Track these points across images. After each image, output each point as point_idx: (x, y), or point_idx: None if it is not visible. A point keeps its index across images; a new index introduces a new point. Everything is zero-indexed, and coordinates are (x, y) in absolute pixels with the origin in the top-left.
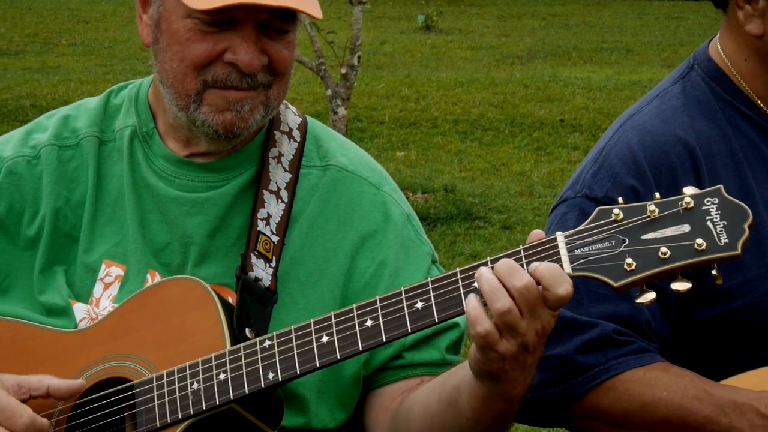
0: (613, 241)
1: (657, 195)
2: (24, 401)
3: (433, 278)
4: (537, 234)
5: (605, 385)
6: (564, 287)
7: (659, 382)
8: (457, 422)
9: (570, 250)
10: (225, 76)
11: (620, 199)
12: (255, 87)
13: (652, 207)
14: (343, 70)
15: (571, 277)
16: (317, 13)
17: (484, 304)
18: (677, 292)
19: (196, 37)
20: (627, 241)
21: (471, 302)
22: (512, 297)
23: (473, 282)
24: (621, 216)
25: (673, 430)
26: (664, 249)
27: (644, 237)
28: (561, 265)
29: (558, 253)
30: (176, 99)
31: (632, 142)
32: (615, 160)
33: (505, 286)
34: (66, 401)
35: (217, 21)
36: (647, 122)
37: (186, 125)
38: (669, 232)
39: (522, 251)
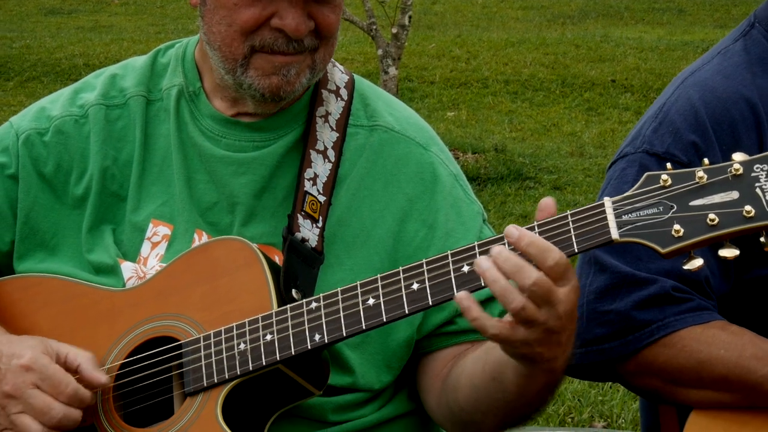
0: (661, 207)
1: (706, 161)
2: None
3: (480, 242)
4: (547, 204)
5: (662, 342)
6: (551, 257)
7: (717, 340)
8: (503, 395)
9: (618, 216)
10: (272, 41)
11: (668, 165)
12: (301, 51)
13: (700, 173)
14: (394, 30)
15: (619, 242)
16: None
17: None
18: (725, 259)
19: (244, 2)
20: (675, 208)
21: (470, 313)
22: (527, 295)
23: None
24: (669, 182)
25: (730, 388)
26: (712, 216)
27: (692, 203)
28: (608, 231)
29: (605, 218)
30: (223, 62)
31: (694, 98)
32: (676, 116)
33: (518, 285)
34: (115, 359)
35: None
36: (709, 78)
37: (233, 87)
38: (717, 198)
39: (569, 216)
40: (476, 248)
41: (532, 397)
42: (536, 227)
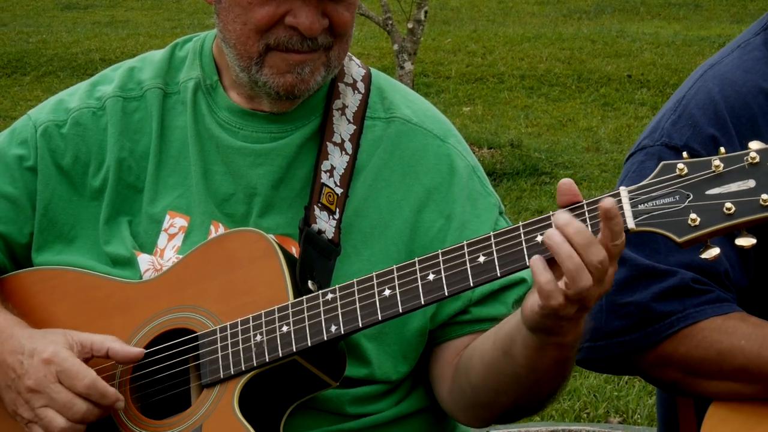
0: (677, 196)
1: (722, 150)
2: (86, 360)
3: (496, 233)
4: (567, 184)
5: (682, 333)
6: (621, 240)
7: (737, 331)
8: (513, 370)
9: (633, 205)
10: (287, 39)
11: (684, 154)
12: (316, 49)
13: (717, 162)
14: (410, 25)
15: (635, 232)
16: None
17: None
18: (742, 247)
19: (258, 0)
20: (691, 196)
21: (544, 276)
22: (590, 272)
23: (535, 237)
24: (685, 171)
25: (750, 379)
26: (728, 204)
27: (709, 192)
28: (624, 220)
29: (621, 207)
30: (238, 60)
31: (713, 92)
32: (695, 110)
33: (583, 259)
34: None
35: None
36: (728, 72)
37: (248, 84)
38: (734, 187)
39: (585, 206)
40: (492, 239)
41: (542, 374)
42: (552, 216)
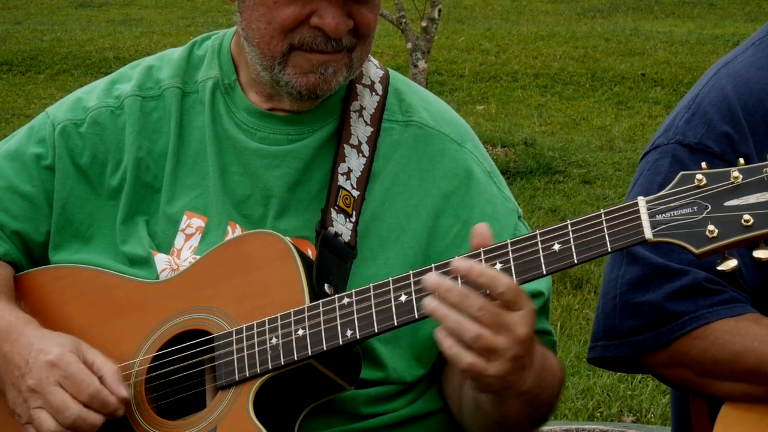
0: (695, 207)
1: (741, 161)
2: None
3: (513, 240)
4: (480, 232)
5: (695, 334)
6: (502, 284)
7: (750, 332)
8: (486, 421)
9: (651, 215)
10: (311, 39)
11: (703, 164)
12: (340, 50)
13: (735, 173)
14: (424, 23)
15: (653, 242)
16: None
17: None
18: (760, 260)
19: (284, 0)
20: (709, 208)
21: (443, 343)
22: (475, 320)
23: (553, 245)
24: (704, 182)
25: (762, 381)
26: (747, 216)
27: (727, 204)
28: (642, 230)
29: (639, 218)
30: (261, 59)
31: (727, 89)
32: (709, 107)
33: (463, 312)
34: (148, 352)
35: None
36: (742, 70)
37: (269, 83)
38: (752, 199)
39: (603, 215)
40: (508, 246)
41: (515, 418)
42: (569, 225)
